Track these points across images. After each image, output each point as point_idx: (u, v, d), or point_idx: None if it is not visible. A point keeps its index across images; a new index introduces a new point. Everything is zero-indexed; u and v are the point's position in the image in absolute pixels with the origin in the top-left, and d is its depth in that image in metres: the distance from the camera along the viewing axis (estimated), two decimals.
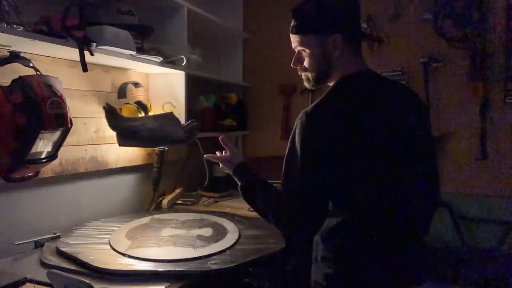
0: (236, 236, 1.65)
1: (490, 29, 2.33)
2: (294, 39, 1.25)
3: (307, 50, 1.23)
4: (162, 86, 2.19)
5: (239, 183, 1.37)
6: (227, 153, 1.46)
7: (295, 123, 1.17)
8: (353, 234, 1.17)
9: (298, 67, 1.29)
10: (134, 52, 1.72)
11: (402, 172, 1.19)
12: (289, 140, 1.18)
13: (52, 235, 1.52)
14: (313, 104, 1.18)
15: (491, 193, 2.34)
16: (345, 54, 1.21)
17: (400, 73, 2.49)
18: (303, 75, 1.30)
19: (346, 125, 1.13)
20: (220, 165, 1.47)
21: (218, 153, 1.49)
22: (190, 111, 2.22)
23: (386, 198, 1.17)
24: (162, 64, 1.96)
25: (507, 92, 2.30)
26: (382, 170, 1.16)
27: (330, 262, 1.18)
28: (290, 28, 1.25)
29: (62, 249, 1.43)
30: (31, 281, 1.18)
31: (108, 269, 1.30)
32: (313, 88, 1.33)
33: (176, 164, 2.34)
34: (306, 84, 1.31)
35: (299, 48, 1.25)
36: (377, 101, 1.19)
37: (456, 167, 2.41)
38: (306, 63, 1.25)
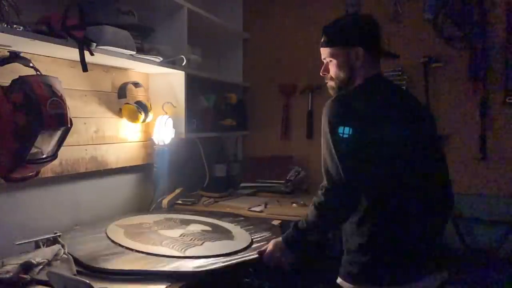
0: (236, 236, 1.65)
1: (490, 29, 2.33)
2: (324, 51, 1.47)
3: (334, 60, 1.43)
4: (162, 86, 2.19)
5: (297, 249, 1.45)
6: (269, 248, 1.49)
7: (323, 111, 1.34)
8: (383, 225, 1.29)
9: (325, 75, 1.48)
10: (134, 52, 1.72)
11: (423, 163, 1.33)
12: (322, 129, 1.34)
13: (52, 235, 1.52)
14: (339, 94, 1.40)
15: (491, 193, 2.34)
16: (365, 64, 1.40)
17: (400, 73, 2.49)
18: (329, 84, 1.49)
19: (372, 113, 1.29)
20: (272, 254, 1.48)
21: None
22: (190, 111, 2.22)
23: (412, 190, 1.30)
24: (162, 64, 1.96)
25: (507, 92, 2.30)
26: (405, 156, 1.31)
27: (364, 251, 1.30)
28: (320, 43, 1.47)
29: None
30: (31, 281, 1.18)
31: (108, 269, 1.30)
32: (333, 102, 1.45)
33: (176, 164, 2.34)
34: (330, 91, 1.49)
35: (328, 59, 1.46)
36: (397, 100, 1.41)
37: (456, 167, 2.41)
38: (332, 72, 1.45)
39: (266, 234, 1.73)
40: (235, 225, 1.84)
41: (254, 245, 1.59)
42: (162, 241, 1.55)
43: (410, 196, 1.30)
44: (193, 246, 1.52)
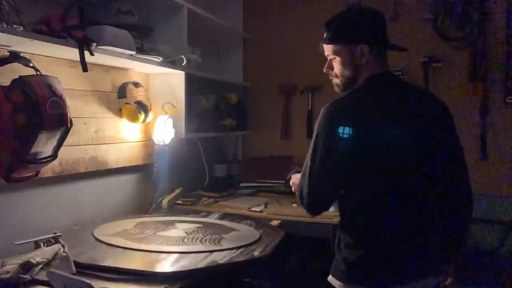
0: (235, 235, 1.65)
1: (490, 29, 2.33)
2: (327, 48, 1.40)
3: (338, 58, 1.37)
4: (162, 86, 2.19)
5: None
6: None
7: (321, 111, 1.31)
8: (371, 226, 1.27)
9: (329, 72, 1.42)
10: (134, 52, 1.72)
11: (418, 166, 1.28)
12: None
13: (52, 235, 1.52)
14: (334, 100, 1.32)
15: (491, 193, 2.34)
16: (371, 61, 1.33)
17: (400, 73, 2.49)
18: (334, 81, 1.43)
19: (367, 117, 1.25)
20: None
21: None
22: (190, 111, 2.22)
23: (399, 194, 1.27)
24: (162, 64, 1.96)
25: (507, 92, 2.30)
26: (399, 160, 1.27)
27: (351, 250, 1.28)
28: (323, 39, 1.40)
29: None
30: (31, 281, 1.18)
31: (107, 267, 1.29)
32: (342, 93, 1.41)
33: (176, 164, 2.33)
34: (336, 88, 1.44)
35: (331, 56, 1.39)
36: (401, 100, 1.32)
37: None
38: (336, 70, 1.39)
39: (264, 233, 1.73)
40: (234, 225, 1.84)
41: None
42: (183, 239, 1.55)
43: (401, 200, 1.27)
44: (220, 239, 1.55)
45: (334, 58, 1.38)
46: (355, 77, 1.36)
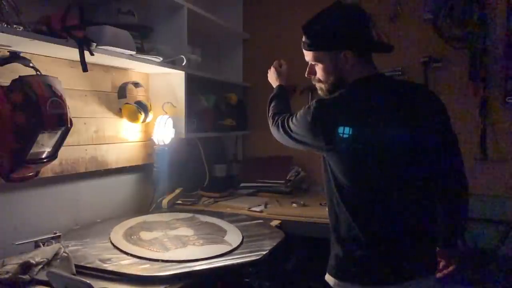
0: (235, 235, 1.66)
1: (490, 29, 2.33)
2: (307, 54, 1.34)
3: (320, 65, 1.31)
4: (162, 86, 2.19)
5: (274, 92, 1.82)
6: (282, 68, 1.95)
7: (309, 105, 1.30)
8: (363, 223, 1.24)
9: (311, 77, 1.37)
10: (134, 52, 1.72)
11: (401, 167, 1.24)
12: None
13: (52, 235, 1.52)
14: (329, 96, 1.30)
15: (491, 193, 2.34)
16: (356, 65, 1.28)
17: (400, 73, 2.49)
18: (317, 85, 1.37)
19: (350, 120, 1.20)
20: (269, 72, 1.94)
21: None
22: (190, 111, 2.22)
23: (380, 194, 1.24)
24: (162, 64, 1.96)
25: (507, 92, 2.30)
26: (382, 161, 1.23)
27: (339, 245, 1.29)
28: (302, 44, 1.33)
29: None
30: (31, 281, 1.18)
31: (108, 271, 1.29)
32: (327, 97, 1.36)
33: (176, 164, 2.33)
34: (320, 92, 1.38)
35: (312, 62, 1.34)
36: (386, 102, 1.25)
37: None
38: (319, 75, 1.34)
39: (264, 233, 1.73)
40: (234, 225, 1.84)
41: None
42: (161, 243, 1.55)
43: (391, 198, 1.24)
44: (193, 247, 1.53)
45: (317, 64, 1.32)
46: (340, 82, 1.30)
